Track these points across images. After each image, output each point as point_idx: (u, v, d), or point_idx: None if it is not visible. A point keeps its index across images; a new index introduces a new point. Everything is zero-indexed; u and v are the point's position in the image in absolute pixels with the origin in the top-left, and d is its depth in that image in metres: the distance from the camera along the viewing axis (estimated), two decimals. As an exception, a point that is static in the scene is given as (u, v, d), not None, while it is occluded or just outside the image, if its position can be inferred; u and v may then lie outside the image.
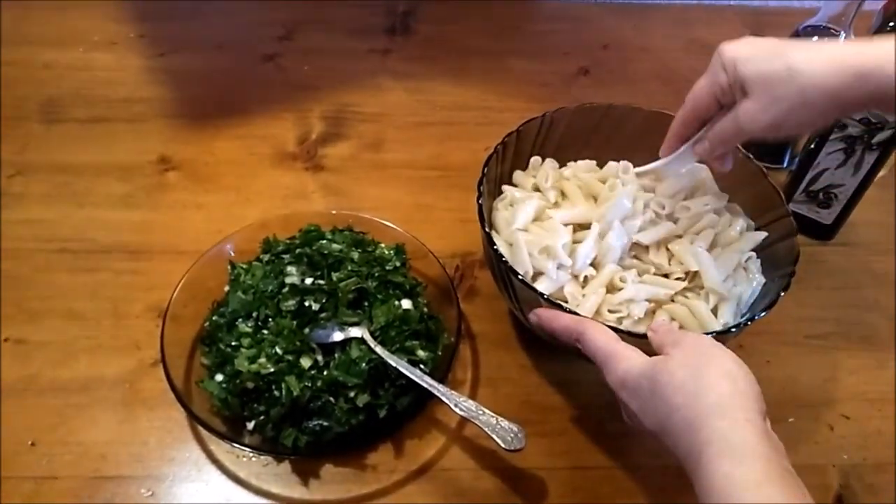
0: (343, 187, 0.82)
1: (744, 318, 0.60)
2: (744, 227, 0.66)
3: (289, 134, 0.88)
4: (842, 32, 0.76)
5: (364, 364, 0.58)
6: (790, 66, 0.51)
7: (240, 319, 0.61)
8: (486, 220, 0.61)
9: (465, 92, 0.97)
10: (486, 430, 0.54)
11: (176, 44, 0.99)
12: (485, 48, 1.05)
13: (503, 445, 0.53)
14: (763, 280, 0.63)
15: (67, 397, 0.62)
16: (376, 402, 0.59)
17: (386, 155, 0.87)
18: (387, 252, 0.67)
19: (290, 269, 0.63)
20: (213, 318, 0.63)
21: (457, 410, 0.55)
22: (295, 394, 0.56)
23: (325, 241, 0.66)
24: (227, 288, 0.65)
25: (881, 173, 0.75)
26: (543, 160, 0.71)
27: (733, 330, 0.56)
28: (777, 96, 0.52)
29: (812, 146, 0.75)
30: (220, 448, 0.60)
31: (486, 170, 0.64)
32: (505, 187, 0.69)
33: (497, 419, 0.54)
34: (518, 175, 0.70)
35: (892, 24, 0.73)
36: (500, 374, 0.67)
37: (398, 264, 0.66)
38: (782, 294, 0.57)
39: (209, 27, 1.03)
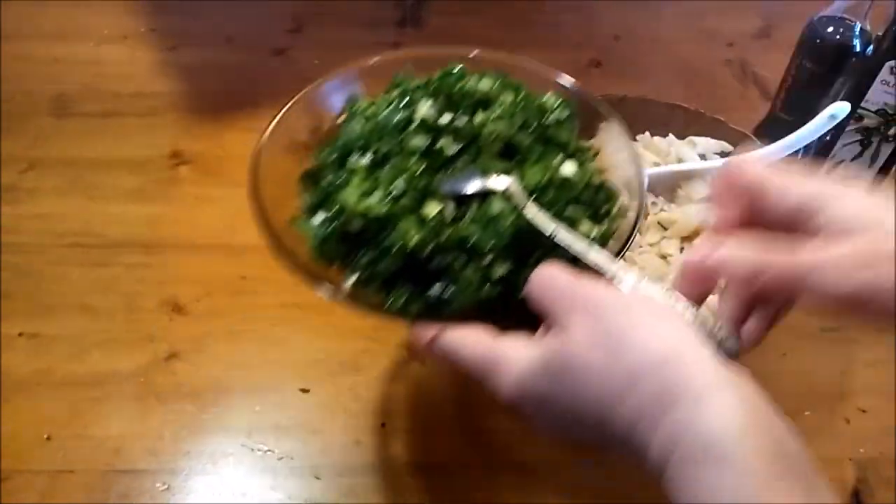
0: (355, 181, 0.82)
1: (760, 311, 0.59)
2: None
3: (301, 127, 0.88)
4: (857, 24, 0.75)
5: (508, 223, 0.44)
6: None
7: (353, 154, 0.49)
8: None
9: (475, 84, 0.96)
10: None
11: (186, 37, 0.99)
12: (495, 40, 1.05)
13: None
14: (779, 272, 0.63)
15: (82, 391, 0.62)
16: (517, 276, 0.44)
17: (397, 148, 0.87)
18: (551, 101, 0.53)
19: (424, 102, 0.50)
20: (322, 154, 0.51)
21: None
22: (412, 243, 0.44)
23: (470, 82, 0.52)
24: (340, 120, 0.53)
25: (897, 166, 0.74)
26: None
27: (750, 323, 0.55)
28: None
29: (828, 138, 0.74)
30: (234, 442, 0.60)
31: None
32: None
33: (711, 316, 0.40)
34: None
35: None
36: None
37: (563, 117, 0.52)
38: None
39: (219, 20, 1.03)
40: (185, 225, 0.75)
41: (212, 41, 0.99)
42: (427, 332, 0.42)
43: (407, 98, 0.51)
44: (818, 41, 0.77)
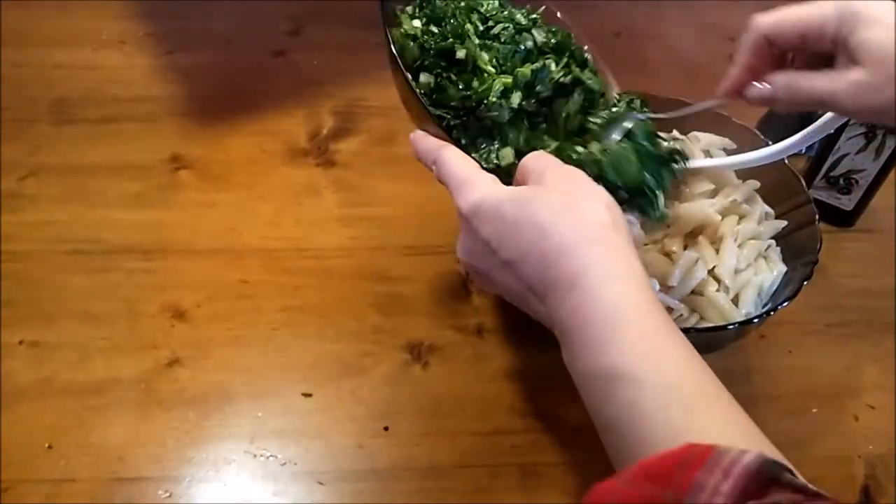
0: (355, 182, 0.82)
1: (766, 308, 0.59)
2: (762, 214, 0.65)
3: (300, 129, 0.87)
4: (860, 14, 0.74)
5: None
6: None
7: (474, 14, 0.59)
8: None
9: (476, 83, 0.95)
10: None
11: (184, 41, 0.99)
12: (495, 38, 1.04)
13: None
14: (784, 268, 0.62)
15: (83, 399, 0.62)
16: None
17: (397, 149, 0.86)
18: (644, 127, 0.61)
19: (540, 30, 0.60)
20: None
21: None
22: (477, 91, 0.54)
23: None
24: None
25: (903, 157, 0.73)
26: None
27: (755, 320, 0.55)
28: None
29: (832, 132, 0.73)
30: (237, 448, 0.59)
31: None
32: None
33: None
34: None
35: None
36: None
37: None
38: (805, 283, 0.56)
39: (217, 23, 1.02)
40: (186, 230, 0.75)
41: (210, 44, 0.99)
42: (431, 138, 0.51)
43: (532, 18, 0.61)
44: (820, 34, 0.76)
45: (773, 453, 0.36)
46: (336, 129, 0.88)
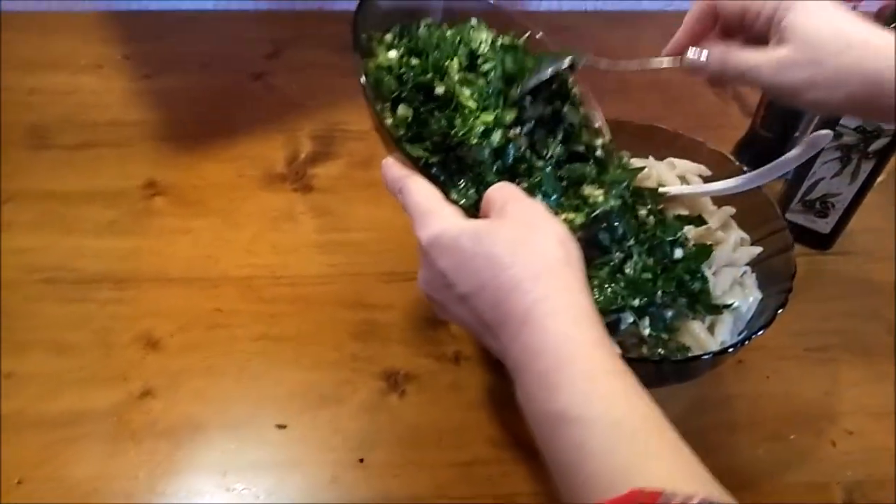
0: (333, 207, 0.81)
1: (741, 336, 0.59)
2: (738, 241, 0.65)
3: (278, 154, 0.87)
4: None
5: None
6: (849, 41, 0.48)
7: (464, 48, 0.57)
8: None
9: (455, 106, 0.95)
10: None
11: (162, 64, 0.98)
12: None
13: None
14: (760, 295, 0.62)
15: (55, 431, 0.61)
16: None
17: (376, 173, 0.83)
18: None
19: (489, 35, 0.58)
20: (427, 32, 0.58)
21: None
22: (458, 133, 0.53)
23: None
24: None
25: (880, 178, 0.74)
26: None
27: (731, 350, 0.55)
28: (817, 60, 0.49)
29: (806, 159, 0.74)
30: (209, 481, 0.58)
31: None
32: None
33: None
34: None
35: (892, 26, 0.71)
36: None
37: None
38: (780, 311, 0.56)
39: (196, 46, 1.02)
40: (160, 257, 0.74)
41: (188, 67, 0.98)
42: (399, 167, 0.51)
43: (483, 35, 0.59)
44: (795, 58, 0.76)
45: (719, 493, 0.36)
46: (315, 153, 0.88)
